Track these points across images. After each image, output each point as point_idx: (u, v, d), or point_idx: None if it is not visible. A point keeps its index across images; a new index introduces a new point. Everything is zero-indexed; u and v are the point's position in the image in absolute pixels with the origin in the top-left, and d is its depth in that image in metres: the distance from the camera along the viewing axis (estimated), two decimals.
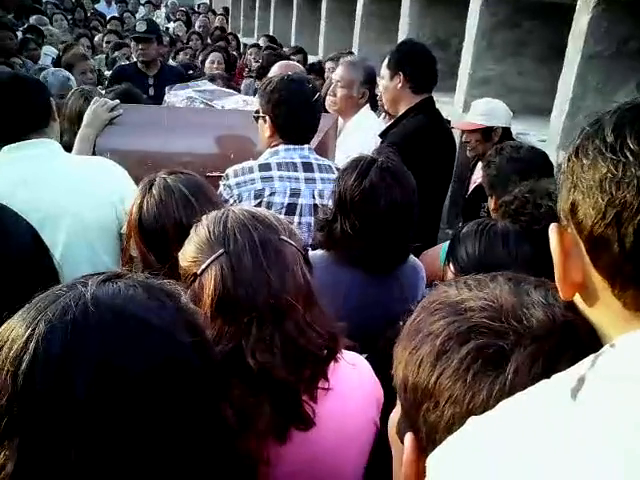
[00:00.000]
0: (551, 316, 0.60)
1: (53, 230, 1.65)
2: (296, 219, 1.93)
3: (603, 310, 0.58)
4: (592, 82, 3.01)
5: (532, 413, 0.48)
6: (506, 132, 2.94)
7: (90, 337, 0.60)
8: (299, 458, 0.98)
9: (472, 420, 0.52)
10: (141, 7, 12.24)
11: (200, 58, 5.82)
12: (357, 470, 1.09)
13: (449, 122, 2.99)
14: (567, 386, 0.47)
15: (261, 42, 6.81)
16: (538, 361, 0.56)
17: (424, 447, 0.61)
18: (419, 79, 2.61)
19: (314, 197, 1.96)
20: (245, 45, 7.82)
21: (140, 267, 1.33)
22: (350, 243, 1.53)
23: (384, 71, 2.67)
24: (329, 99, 3.02)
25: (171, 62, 5.79)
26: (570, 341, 0.58)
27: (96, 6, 11.48)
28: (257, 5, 9.77)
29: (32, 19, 7.38)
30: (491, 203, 2.14)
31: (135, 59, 4.18)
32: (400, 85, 2.60)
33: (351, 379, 1.08)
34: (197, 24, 9.28)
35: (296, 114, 1.95)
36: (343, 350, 1.06)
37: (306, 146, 2.00)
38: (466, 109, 3.73)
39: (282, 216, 1.12)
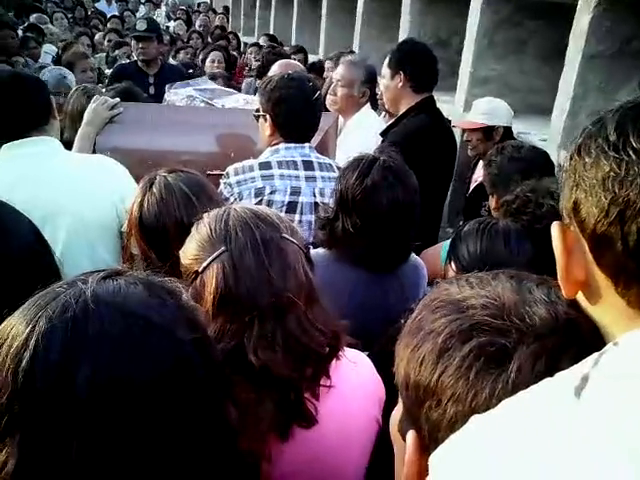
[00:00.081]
0: (554, 314, 0.59)
1: (53, 228, 1.65)
2: (297, 217, 1.93)
3: (606, 308, 0.57)
4: (593, 81, 3.01)
5: (535, 411, 0.48)
6: (507, 131, 2.94)
7: (90, 334, 0.60)
8: (300, 457, 0.97)
9: (475, 418, 0.52)
10: (141, 6, 12.26)
11: (200, 57, 5.83)
12: (358, 470, 1.08)
13: (450, 121, 2.99)
14: (571, 384, 0.47)
15: (261, 41, 6.81)
16: (541, 359, 0.56)
17: (426, 445, 0.61)
18: (420, 78, 2.61)
19: (315, 195, 1.95)
20: (245, 44, 7.82)
21: (142, 265, 1.32)
22: (352, 242, 1.53)
23: (385, 70, 2.67)
24: (330, 98, 3.01)
25: (171, 61, 5.78)
26: (573, 339, 0.58)
27: (96, 5, 11.49)
28: (257, 4, 9.77)
29: (32, 17, 7.40)
30: (492, 202, 2.14)
31: (135, 58, 4.18)
32: (401, 84, 2.60)
33: (353, 377, 1.08)
34: (197, 23, 9.30)
35: (296, 113, 1.95)
36: (345, 348, 1.06)
37: (307, 145, 2.00)
38: (467, 108, 3.73)
39: (283, 214, 1.12)
